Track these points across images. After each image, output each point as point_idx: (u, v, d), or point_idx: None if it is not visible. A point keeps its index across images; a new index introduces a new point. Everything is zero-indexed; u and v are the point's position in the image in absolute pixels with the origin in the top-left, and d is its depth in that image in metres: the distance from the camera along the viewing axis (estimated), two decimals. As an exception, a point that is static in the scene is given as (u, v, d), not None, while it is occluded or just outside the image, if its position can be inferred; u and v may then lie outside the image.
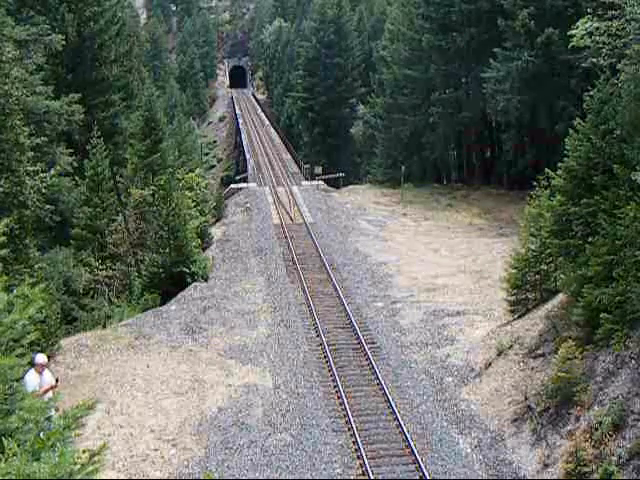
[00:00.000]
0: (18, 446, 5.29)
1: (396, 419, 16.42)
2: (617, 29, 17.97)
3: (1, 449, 5.30)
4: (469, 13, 44.40)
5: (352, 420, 16.35)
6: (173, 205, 26.78)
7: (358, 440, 15.54)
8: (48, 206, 21.74)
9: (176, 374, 19.34)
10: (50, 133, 25.88)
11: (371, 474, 14.35)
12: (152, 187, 30.28)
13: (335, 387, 18.26)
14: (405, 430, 15.84)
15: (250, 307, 24.62)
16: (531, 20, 36.79)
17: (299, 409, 17.29)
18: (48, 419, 6.43)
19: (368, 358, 19.73)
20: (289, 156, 65.54)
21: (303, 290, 25.80)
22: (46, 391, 11.28)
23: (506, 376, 17.64)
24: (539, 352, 17.54)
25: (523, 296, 20.39)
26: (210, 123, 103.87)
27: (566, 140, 17.74)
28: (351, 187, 49.99)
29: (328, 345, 20.71)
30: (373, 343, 21.01)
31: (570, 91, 35.39)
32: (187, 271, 27.04)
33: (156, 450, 15.56)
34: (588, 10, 20.27)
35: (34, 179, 20.43)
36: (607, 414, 13.50)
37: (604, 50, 18.46)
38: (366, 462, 14.70)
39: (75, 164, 27.15)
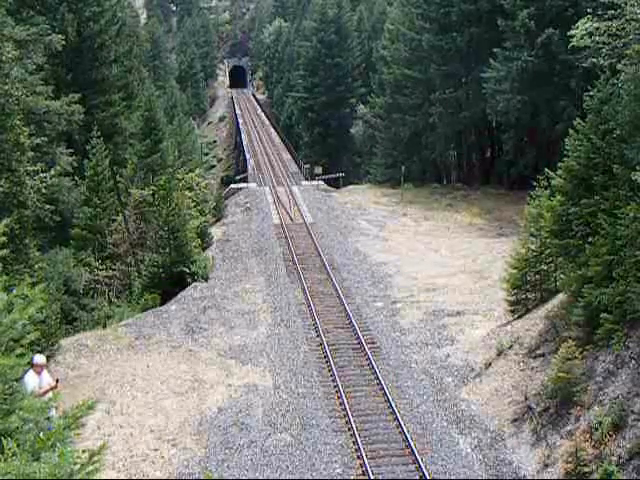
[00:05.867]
0: (18, 446, 5.28)
1: (396, 419, 16.41)
2: (617, 29, 17.97)
3: (1, 449, 5.30)
4: (469, 13, 44.37)
5: (352, 420, 16.35)
6: (173, 205, 26.78)
7: (358, 440, 15.54)
8: (48, 206, 21.73)
9: (176, 374, 19.34)
10: (50, 133, 25.87)
11: (371, 474, 14.35)
12: (152, 187, 30.28)
13: (335, 387, 18.26)
14: (405, 430, 15.83)
15: (250, 307, 24.62)
16: (531, 20, 36.77)
17: (299, 409, 17.29)
18: (48, 419, 6.43)
19: (368, 358, 19.73)
20: (289, 156, 65.53)
21: (303, 290, 25.79)
22: (46, 392, 11.26)
23: (506, 376, 17.64)
24: (539, 352, 17.55)
25: (523, 296, 20.39)
26: (210, 123, 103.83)
27: (566, 140, 17.76)
28: (351, 187, 49.98)
29: (328, 345, 20.71)
30: (373, 343, 21.01)
31: (570, 91, 35.38)
32: (187, 271, 27.04)
33: (156, 450, 15.56)
34: (588, 10, 20.27)
35: (34, 179, 20.44)
36: (607, 414, 13.50)
37: (604, 50, 18.46)
38: (366, 462, 14.70)
39: (75, 164, 27.15)
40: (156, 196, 29.50)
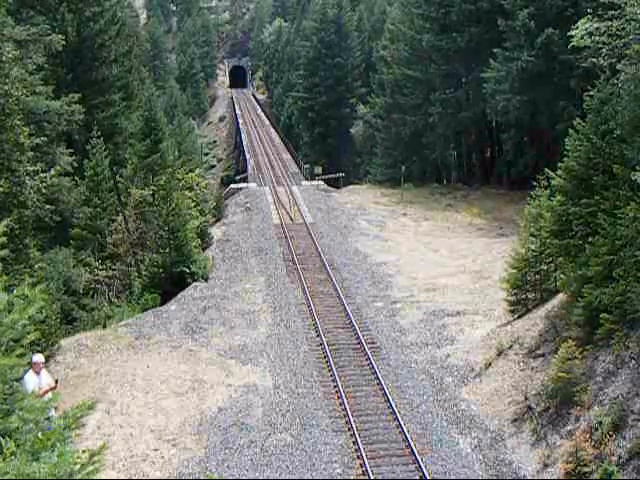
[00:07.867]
0: (18, 446, 5.29)
1: (396, 419, 16.41)
2: (617, 29, 17.98)
3: (1, 449, 5.30)
4: (469, 13, 44.40)
5: (352, 420, 16.35)
6: (173, 205, 26.77)
7: (358, 440, 15.54)
8: (48, 206, 21.72)
9: (176, 374, 19.34)
10: (50, 133, 25.86)
11: (371, 474, 14.34)
12: (152, 187, 30.28)
13: (335, 387, 18.26)
14: (405, 430, 15.83)
15: (250, 307, 24.62)
16: (531, 20, 36.78)
17: (299, 409, 17.28)
18: (48, 419, 6.43)
19: (368, 358, 19.73)
20: (289, 156, 65.56)
21: (303, 290, 25.79)
22: (46, 392, 11.27)
23: (506, 376, 17.64)
24: (539, 352, 17.55)
25: (523, 296, 20.39)
26: (210, 123, 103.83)
27: (566, 140, 17.74)
28: (351, 187, 49.97)
29: (328, 345, 20.70)
30: (373, 343, 21.00)
31: (570, 91, 35.38)
32: (187, 271, 27.03)
33: (156, 450, 15.56)
34: (588, 10, 20.27)
35: (34, 179, 20.41)
36: (607, 414, 13.50)
37: (604, 50, 18.47)
38: (366, 462, 14.69)
39: (75, 164, 27.15)
40: (156, 196, 29.50)
